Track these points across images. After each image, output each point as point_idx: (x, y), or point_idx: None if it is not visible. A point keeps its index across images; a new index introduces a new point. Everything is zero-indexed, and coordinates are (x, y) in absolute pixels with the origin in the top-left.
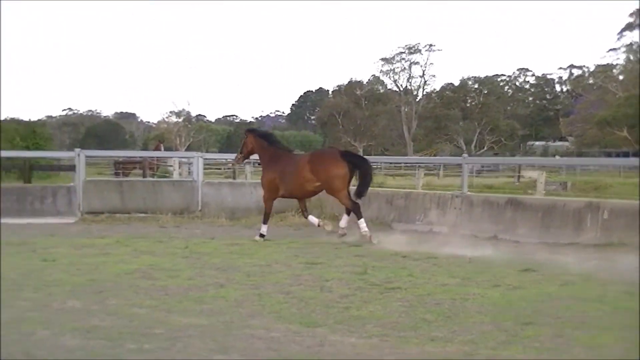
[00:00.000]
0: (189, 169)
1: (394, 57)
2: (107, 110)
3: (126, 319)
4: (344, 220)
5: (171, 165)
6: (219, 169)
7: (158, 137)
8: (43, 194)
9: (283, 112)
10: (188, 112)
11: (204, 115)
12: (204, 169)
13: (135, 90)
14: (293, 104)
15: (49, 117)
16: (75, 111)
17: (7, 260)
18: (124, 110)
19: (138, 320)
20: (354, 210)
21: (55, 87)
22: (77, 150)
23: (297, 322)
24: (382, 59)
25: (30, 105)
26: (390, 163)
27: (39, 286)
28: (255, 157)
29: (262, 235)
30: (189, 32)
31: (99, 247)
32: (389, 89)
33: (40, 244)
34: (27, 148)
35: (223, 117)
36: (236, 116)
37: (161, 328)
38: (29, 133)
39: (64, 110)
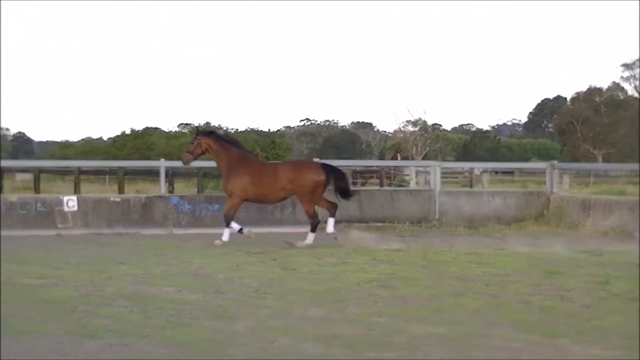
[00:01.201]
0: (426, 178)
1: (634, 62)
2: (344, 120)
3: (366, 328)
4: (330, 226)
5: (408, 175)
6: (456, 177)
7: (394, 146)
8: (283, 204)
9: (520, 120)
10: (424, 121)
11: (439, 124)
12: (441, 177)
13: (372, 100)
14: (530, 112)
15: (288, 127)
16: (313, 121)
17: (248, 269)
18: (361, 120)
19: (378, 329)
20: (332, 211)
21: (294, 98)
22: (316, 160)
23: (538, 332)
24: (623, 65)
25: (270, 116)
26: (631, 170)
27: (280, 294)
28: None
29: (243, 232)
30: (422, 40)
31: (338, 256)
32: (630, 96)
33: (280, 252)
34: (267, 158)
35: (459, 125)
36: (472, 125)
37: (401, 337)
38: (269, 143)
39: (302, 120)
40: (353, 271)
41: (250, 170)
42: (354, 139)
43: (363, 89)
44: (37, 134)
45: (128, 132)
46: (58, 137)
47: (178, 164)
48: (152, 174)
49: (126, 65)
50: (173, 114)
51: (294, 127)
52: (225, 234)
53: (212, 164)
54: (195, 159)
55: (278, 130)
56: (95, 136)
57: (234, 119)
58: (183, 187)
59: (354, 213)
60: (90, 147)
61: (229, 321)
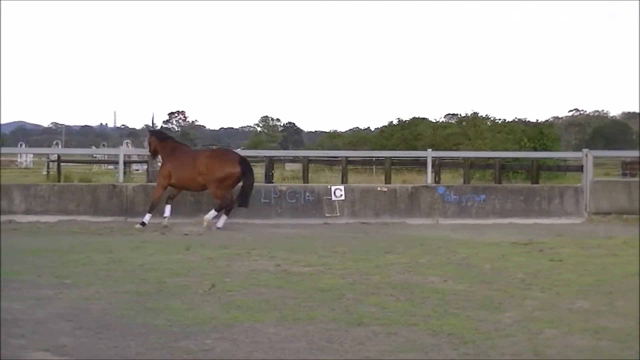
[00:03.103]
0: None
1: None
2: (615, 110)
3: (635, 321)
4: (221, 222)
5: None
6: None
7: None
8: (550, 194)
9: None
10: None
11: None
12: None
13: None
14: None
15: (556, 118)
16: (582, 112)
17: (514, 260)
18: (632, 110)
19: None
20: (227, 208)
21: (563, 88)
22: (585, 150)
23: None
24: None
25: (538, 106)
26: None
27: (546, 286)
28: None
29: (143, 224)
30: None
31: (606, 248)
32: None
33: (547, 244)
34: (535, 149)
35: None
36: None
37: None
38: (537, 134)
39: (571, 111)
40: (621, 263)
41: (175, 158)
42: (624, 129)
43: (635, 78)
44: (307, 125)
45: (395, 122)
46: (327, 128)
47: (445, 154)
48: (418, 164)
49: (397, 58)
50: (440, 104)
51: (562, 118)
52: (146, 217)
53: (478, 154)
54: (155, 156)
55: (546, 120)
56: (362, 126)
57: (501, 109)
58: (449, 178)
59: (623, 204)
60: (357, 138)
61: (494, 311)
